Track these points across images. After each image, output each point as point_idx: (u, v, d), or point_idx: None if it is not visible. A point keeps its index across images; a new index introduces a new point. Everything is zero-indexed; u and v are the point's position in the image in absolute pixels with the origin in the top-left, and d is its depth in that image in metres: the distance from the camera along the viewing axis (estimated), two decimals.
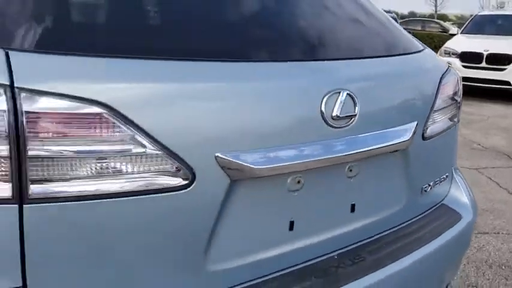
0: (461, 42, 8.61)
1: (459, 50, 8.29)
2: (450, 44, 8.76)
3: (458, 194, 1.61)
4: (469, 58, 8.04)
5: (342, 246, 1.24)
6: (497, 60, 7.85)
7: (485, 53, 7.98)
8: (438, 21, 25.23)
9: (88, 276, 0.88)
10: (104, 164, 0.86)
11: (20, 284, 0.83)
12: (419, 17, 35.65)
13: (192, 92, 0.95)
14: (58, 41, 0.89)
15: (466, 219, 1.51)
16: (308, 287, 1.10)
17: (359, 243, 1.28)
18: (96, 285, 0.89)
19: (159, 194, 0.91)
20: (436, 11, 46.32)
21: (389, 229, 1.36)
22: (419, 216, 1.46)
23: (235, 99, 0.99)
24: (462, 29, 9.84)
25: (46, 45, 0.86)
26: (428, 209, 1.50)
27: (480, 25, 9.38)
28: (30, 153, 0.80)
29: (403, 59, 1.40)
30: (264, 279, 1.08)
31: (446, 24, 22.76)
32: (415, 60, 1.45)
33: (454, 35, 10.17)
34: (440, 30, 19.39)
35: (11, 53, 0.82)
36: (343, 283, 1.14)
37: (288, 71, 1.08)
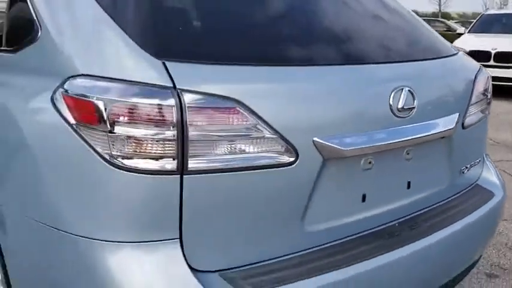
0: (469, 41, 8.84)
1: (467, 49, 8.51)
2: (458, 43, 9.00)
3: (489, 176, 1.87)
4: (477, 57, 8.24)
5: (400, 216, 1.51)
6: (505, 58, 8.09)
7: (493, 52, 8.22)
8: (443, 20, 25.43)
9: (225, 229, 1.16)
10: (235, 145, 1.13)
11: (177, 236, 1.11)
12: (422, 15, 35.90)
13: (296, 91, 1.22)
14: (202, 53, 1.17)
15: (497, 196, 1.77)
16: (378, 246, 1.37)
17: (413, 214, 1.55)
18: (228, 234, 1.16)
19: (273, 169, 1.18)
20: (440, 10, 46.53)
21: (437, 203, 1.63)
22: (459, 194, 1.73)
23: (327, 96, 1.26)
24: (469, 28, 10.09)
25: (195, 56, 1.14)
26: (466, 188, 1.77)
27: (487, 24, 9.62)
28: (190, 137, 1.07)
29: (446, 61, 1.67)
30: (344, 240, 1.35)
31: (452, 24, 22.99)
32: (454, 62, 1.72)
33: (462, 34, 10.41)
34: (445, 29, 19.63)
35: (167, 63, 1.10)
36: (404, 244, 1.41)
37: (364, 72, 1.36)
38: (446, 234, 1.51)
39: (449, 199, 1.68)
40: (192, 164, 1.08)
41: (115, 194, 1.09)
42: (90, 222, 1.11)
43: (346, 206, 1.36)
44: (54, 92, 1.18)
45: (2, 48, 1.58)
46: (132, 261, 1.09)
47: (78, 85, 1.14)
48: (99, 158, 1.08)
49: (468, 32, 9.75)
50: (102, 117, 1.07)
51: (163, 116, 1.06)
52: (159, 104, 1.06)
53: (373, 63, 1.41)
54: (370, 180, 1.40)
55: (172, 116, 1.06)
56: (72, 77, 1.17)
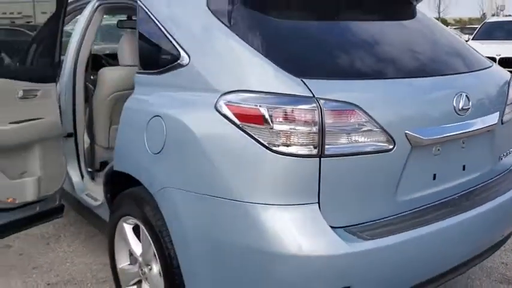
0: (475, 48, 9.34)
1: None
2: None
3: None
4: None
5: (459, 191, 1.98)
6: (509, 63, 8.60)
7: (497, 57, 8.73)
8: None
9: (346, 197, 1.63)
10: (353, 137, 1.60)
11: (317, 201, 1.57)
12: None
13: (393, 97, 1.71)
14: (329, 71, 1.65)
15: None
16: (446, 212, 1.84)
17: (467, 190, 2.02)
18: (348, 201, 1.63)
19: (378, 154, 1.65)
20: (439, 17, 47.38)
21: (482, 183, 2.10)
22: (498, 176, 2.20)
23: (413, 99, 1.75)
24: (473, 35, 10.63)
25: (323, 74, 1.63)
26: (503, 172, 2.24)
27: (490, 31, 10.17)
28: (326, 131, 1.54)
29: (487, 71, 2.15)
30: (422, 207, 1.83)
31: (457, 32, 23.58)
32: (493, 72, 2.20)
33: (466, 41, 10.94)
34: None
35: (305, 80, 1.58)
36: (464, 211, 1.88)
37: (437, 82, 1.85)
38: (491, 206, 1.98)
39: (491, 180, 2.15)
40: (327, 150, 1.56)
41: (273, 171, 1.56)
42: (254, 192, 1.58)
43: (423, 183, 1.83)
44: (217, 103, 1.66)
45: (143, 71, 2.08)
46: (287, 217, 1.56)
47: (240, 97, 1.62)
48: (261, 146, 1.56)
49: (472, 39, 10.27)
50: (265, 118, 1.55)
51: (308, 117, 1.54)
52: (305, 109, 1.53)
53: (442, 75, 1.90)
54: (438, 163, 1.87)
55: (314, 116, 1.54)
56: (229, 92, 1.65)
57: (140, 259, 2.21)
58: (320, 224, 1.57)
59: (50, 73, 2.67)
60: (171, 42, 1.97)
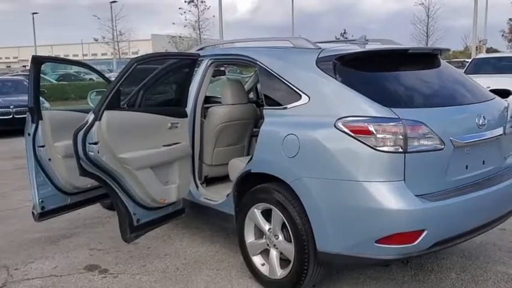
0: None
1: None
2: None
3: None
4: None
5: (481, 178, 3.10)
6: (497, 94, 9.86)
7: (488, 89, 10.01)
8: None
9: (419, 176, 2.75)
10: (421, 141, 2.72)
11: (403, 178, 2.68)
12: None
13: (445, 117, 2.86)
14: (405, 102, 2.81)
15: None
16: (475, 188, 2.95)
17: (486, 177, 3.14)
18: (420, 179, 2.73)
19: (435, 151, 2.77)
20: None
21: (495, 173, 3.22)
22: (504, 170, 3.32)
23: (455, 118, 2.91)
24: (464, 70, 11.98)
25: (401, 105, 2.79)
26: (507, 167, 3.37)
27: (479, 66, 11.51)
28: (408, 138, 2.67)
29: (493, 101, 3.33)
30: (461, 186, 2.93)
31: None
32: (496, 101, 3.38)
33: None
34: None
35: (392, 109, 2.72)
36: (485, 188, 2.99)
37: (468, 108, 3.02)
38: (500, 187, 3.10)
39: (500, 172, 3.28)
40: (408, 149, 2.68)
41: (377, 162, 2.68)
42: (365, 174, 2.68)
43: (460, 170, 2.95)
44: (335, 123, 2.79)
45: (270, 107, 3.23)
46: (387, 188, 2.66)
47: (352, 119, 2.75)
48: (368, 147, 2.68)
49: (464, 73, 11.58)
50: (371, 131, 2.68)
51: (397, 129, 2.66)
52: (395, 124, 2.67)
53: (467, 104, 3.08)
54: (468, 158, 3.00)
55: (401, 129, 2.67)
56: (342, 117, 2.78)
57: (268, 233, 3.28)
58: (406, 192, 2.67)
59: (183, 111, 3.80)
60: (292, 88, 3.12)
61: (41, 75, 4.22)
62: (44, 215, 4.09)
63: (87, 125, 3.18)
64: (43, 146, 3.97)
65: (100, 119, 3.17)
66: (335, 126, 2.81)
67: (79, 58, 67.05)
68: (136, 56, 3.81)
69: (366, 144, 2.70)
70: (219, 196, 3.93)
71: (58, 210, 4.21)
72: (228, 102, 4.22)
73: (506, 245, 4.02)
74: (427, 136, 2.75)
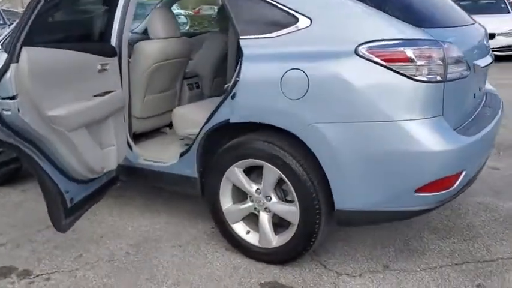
0: None
1: None
2: None
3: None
4: None
5: (479, 104, 2.85)
6: None
7: None
8: None
9: (451, 109, 2.33)
10: (455, 67, 2.30)
11: (442, 113, 2.25)
12: None
13: (466, 39, 2.46)
14: (438, 24, 2.33)
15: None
16: (486, 122, 2.67)
17: (482, 103, 2.89)
18: (452, 112, 2.33)
19: (464, 78, 2.38)
20: None
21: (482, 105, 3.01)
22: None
23: (473, 42, 2.53)
24: None
25: (429, 25, 2.30)
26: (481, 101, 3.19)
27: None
28: (447, 63, 2.22)
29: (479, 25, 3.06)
30: (473, 119, 2.63)
31: None
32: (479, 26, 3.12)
33: None
34: None
35: (424, 29, 2.23)
36: (490, 120, 2.74)
37: (474, 30, 2.65)
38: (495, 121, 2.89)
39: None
40: (448, 77, 2.24)
41: (414, 95, 2.19)
42: (400, 112, 2.18)
43: (471, 102, 2.64)
44: (357, 51, 2.21)
45: (251, 36, 2.50)
46: (429, 127, 2.21)
47: (380, 44, 2.19)
48: (404, 77, 2.17)
49: None
50: (409, 57, 2.16)
51: (440, 54, 2.19)
52: (437, 48, 2.19)
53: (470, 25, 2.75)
54: (475, 87, 2.69)
55: (442, 53, 2.20)
56: (366, 42, 2.21)
57: (256, 195, 2.65)
58: (448, 128, 2.26)
59: (111, 48, 2.85)
60: (284, 9, 2.42)
61: None
62: None
63: None
64: None
65: (17, 60, 2.11)
66: (357, 54, 2.23)
67: None
68: None
69: (402, 75, 2.19)
70: (165, 156, 3.12)
71: None
72: (159, 35, 3.30)
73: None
74: (459, 61, 2.33)
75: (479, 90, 2.84)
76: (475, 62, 2.49)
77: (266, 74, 2.44)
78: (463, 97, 2.47)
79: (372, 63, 2.21)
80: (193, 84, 4.00)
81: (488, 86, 3.30)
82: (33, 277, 2.67)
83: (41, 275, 2.70)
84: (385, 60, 2.20)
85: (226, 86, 2.89)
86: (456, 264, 2.68)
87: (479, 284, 2.49)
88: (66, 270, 2.73)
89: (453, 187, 2.32)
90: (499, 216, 3.23)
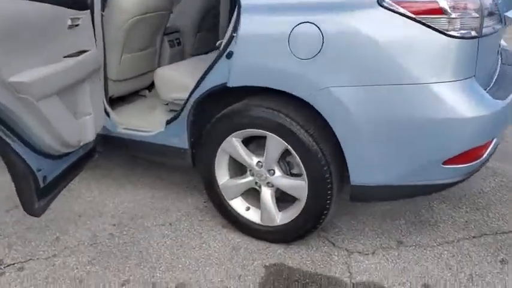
0: None
1: None
2: None
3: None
4: None
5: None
6: None
7: None
8: None
9: (481, 70, 2.04)
10: (490, 21, 1.99)
11: (474, 74, 1.96)
12: None
13: None
14: None
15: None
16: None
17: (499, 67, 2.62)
18: (481, 72, 2.03)
19: (492, 35, 2.08)
20: None
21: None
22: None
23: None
24: None
25: None
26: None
27: None
28: (483, 15, 1.91)
29: None
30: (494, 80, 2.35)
31: None
32: None
33: None
34: None
35: None
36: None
37: None
38: None
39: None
40: (483, 31, 1.93)
41: (447, 53, 1.88)
42: (430, 73, 1.88)
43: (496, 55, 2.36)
44: (380, 1, 1.88)
45: None
46: (463, 90, 1.92)
47: None
48: (436, 32, 1.86)
49: None
50: (442, 8, 1.84)
51: (473, 4, 1.87)
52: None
53: None
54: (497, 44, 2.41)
55: (479, 3, 1.88)
56: None
57: (257, 168, 2.34)
58: (482, 92, 1.97)
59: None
60: None
61: None
62: None
63: None
64: None
65: None
66: (381, 5, 1.90)
67: None
68: None
69: (433, 29, 1.87)
70: (149, 124, 2.77)
71: None
72: None
73: None
74: (493, 13, 2.03)
75: (499, 46, 2.56)
76: (506, 13, 2.18)
77: (271, 28, 2.08)
78: (490, 55, 2.18)
79: (398, 16, 1.88)
80: (173, 40, 3.58)
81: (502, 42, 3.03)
82: (4, 267, 2.33)
83: (13, 264, 2.36)
84: (413, 12, 1.87)
85: (218, 42, 2.52)
86: (474, 237, 2.47)
87: (503, 259, 2.29)
88: (42, 258, 2.40)
89: (483, 157, 2.07)
90: (508, 182, 3.03)
